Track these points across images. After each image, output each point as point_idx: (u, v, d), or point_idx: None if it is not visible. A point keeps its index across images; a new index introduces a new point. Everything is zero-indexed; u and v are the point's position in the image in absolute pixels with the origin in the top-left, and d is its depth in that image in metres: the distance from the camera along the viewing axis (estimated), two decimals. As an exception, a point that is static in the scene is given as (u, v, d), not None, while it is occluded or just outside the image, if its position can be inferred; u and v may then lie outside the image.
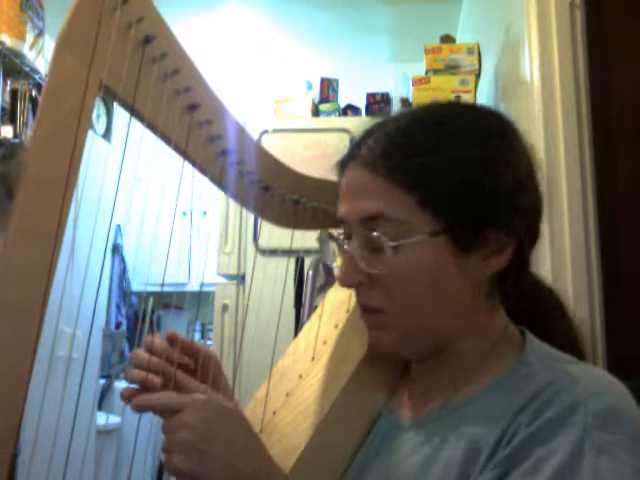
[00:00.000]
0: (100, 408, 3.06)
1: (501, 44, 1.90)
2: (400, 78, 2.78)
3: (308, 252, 1.19)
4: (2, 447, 0.47)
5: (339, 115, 2.63)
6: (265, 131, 2.38)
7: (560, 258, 1.31)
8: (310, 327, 0.87)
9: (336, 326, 0.83)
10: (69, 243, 0.56)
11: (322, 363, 0.77)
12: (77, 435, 0.65)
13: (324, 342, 0.81)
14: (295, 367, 0.80)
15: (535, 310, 0.73)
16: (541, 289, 0.77)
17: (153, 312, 3.74)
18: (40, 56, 2.28)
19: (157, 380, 0.62)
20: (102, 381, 3.05)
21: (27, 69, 2.23)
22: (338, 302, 0.87)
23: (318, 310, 0.89)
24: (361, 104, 2.66)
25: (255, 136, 2.28)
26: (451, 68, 1.95)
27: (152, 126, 0.58)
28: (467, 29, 2.85)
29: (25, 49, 2.19)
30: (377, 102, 2.60)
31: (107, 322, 3.27)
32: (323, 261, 1.16)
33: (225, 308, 2.35)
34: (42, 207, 0.50)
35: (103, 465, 2.78)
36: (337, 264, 0.79)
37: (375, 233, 0.61)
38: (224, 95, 0.66)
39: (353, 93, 2.74)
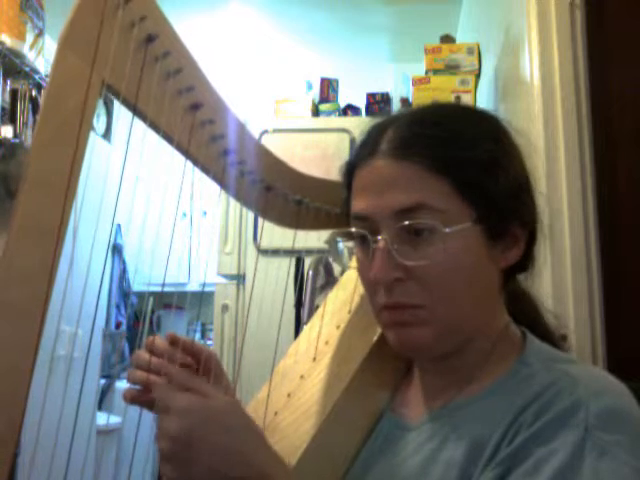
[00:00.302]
0: (100, 408, 3.06)
1: (501, 44, 1.90)
2: (400, 78, 2.79)
3: (309, 252, 1.19)
4: (3, 447, 0.47)
5: (339, 115, 2.63)
6: (265, 131, 2.38)
7: (560, 258, 1.31)
8: (311, 327, 0.87)
9: (338, 326, 0.83)
10: (70, 243, 0.56)
11: (324, 363, 0.77)
12: (78, 435, 0.65)
13: (326, 342, 0.81)
14: (296, 367, 0.80)
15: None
16: None
17: (153, 312, 3.74)
18: (40, 56, 2.28)
19: (160, 381, 0.62)
20: (102, 381, 3.05)
21: (27, 69, 2.23)
22: (340, 302, 0.87)
23: (319, 310, 0.89)
24: (361, 104, 2.67)
25: (255, 136, 2.28)
26: (451, 68, 1.95)
27: (154, 125, 0.58)
28: (467, 29, 2.85)
29: (25, 49, 2.19)
30: (377, 102, 2.60)
31: (107, 322, 3.27)
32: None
33: (225, 308, 2.36)
34: (43, 207, 0.50)
35: (103, 465, 2.78)
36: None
37: (421, 222, 0.59)
38: (225, 94, 0.66)
39: (353, 93, 2.74)
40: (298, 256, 1.38)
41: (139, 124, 0.58)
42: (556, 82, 1.39)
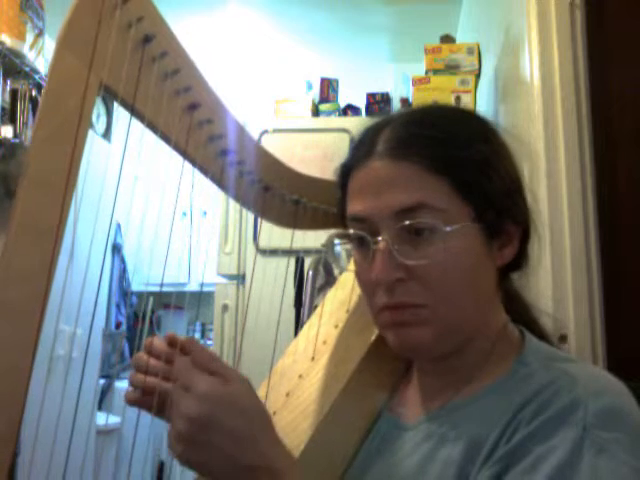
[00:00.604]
0: (100, 408, 3.06)
1: (501, 44, 1.90)
2: (400, 78, 2.79)
3: (308, 252, 1.19)
4: (3, 446, 0.47)
5: (339, 115, 2.63)
6: (265, 131, 2.38)
7: (560, 258, 1.31)
8: (310, 327, 0.87)
9: (336, 326, 0.83)
10: (69, 242, 0.56)
11: (322, 363, 0.77)
12: (77, 435, 0.65)
13: (324, 342, 0.81)
14: (295, 367, 0.80)
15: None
16: None
17: (153, 312, 3.74)
18: (40, 56, 2.28)
19: (163, 384, 0.62)
20: (102, 381, 3.05)
21: (27, 69, 2.23)
22: (338, 302, 0.87)
23: (318, 310, 0.89)
24: (361, 104, 2.67)
25: (255, 136, 2.28)
26: (451, 68, 1.95)
27: (152, 126, 0.58)
28: (467, 29, 2.85)
29: (25, 49, 2.19)
30: (377, 102, 2.60)
31: (107, 322, 3.27)
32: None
33: (225, 308, 2.36)
34: (42, 206, 0.50)
35: (103, 465, 2.78)
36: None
37: (422, 221, 0.59)
38: (224, 95, 0.66)
39: (353, 93, 2.74)
40: (298, 256, 1.38)
41: (138, 124, 0.58)
42: (556, 82, 1.39)
